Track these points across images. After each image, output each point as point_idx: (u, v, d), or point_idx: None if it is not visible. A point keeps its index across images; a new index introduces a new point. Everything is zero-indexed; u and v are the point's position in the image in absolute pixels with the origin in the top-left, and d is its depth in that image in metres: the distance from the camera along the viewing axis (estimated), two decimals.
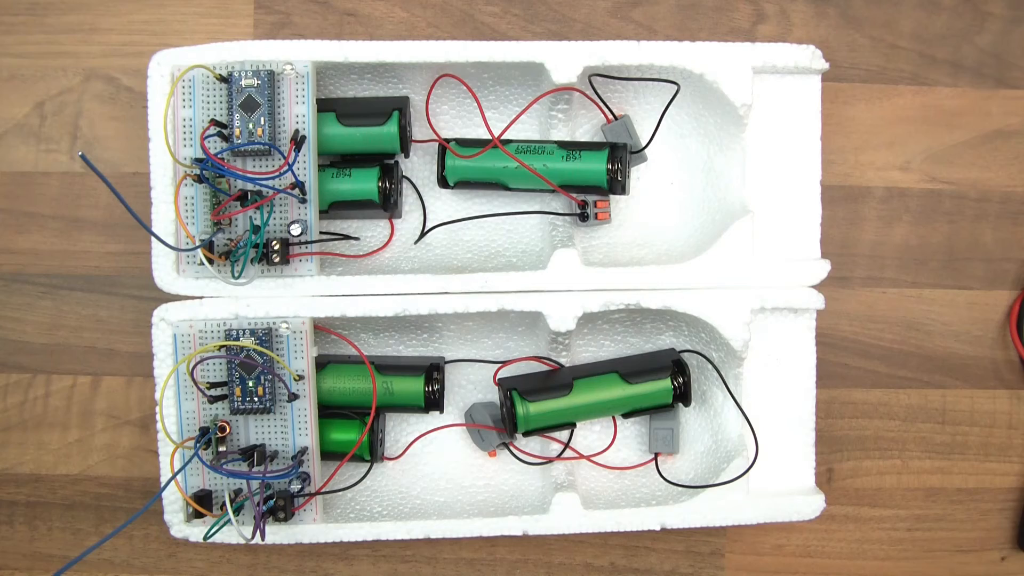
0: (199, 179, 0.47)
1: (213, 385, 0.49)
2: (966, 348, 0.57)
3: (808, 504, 0.52)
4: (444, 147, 0.52)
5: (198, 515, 0.48)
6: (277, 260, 0.49)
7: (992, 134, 0.57)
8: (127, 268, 0.55)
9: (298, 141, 0.48)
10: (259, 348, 0.48)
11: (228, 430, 0.49)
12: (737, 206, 0.52)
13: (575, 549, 0.56)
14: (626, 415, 0.53)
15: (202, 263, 0.48)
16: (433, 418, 0.55)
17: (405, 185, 0.54)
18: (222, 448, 0.49)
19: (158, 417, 0.48)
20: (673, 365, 0.52)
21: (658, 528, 0.52)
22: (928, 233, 0.57)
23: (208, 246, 0.48)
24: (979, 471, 0.57)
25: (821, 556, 0.57)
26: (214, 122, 0.47)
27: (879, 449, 0.57)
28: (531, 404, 0.51)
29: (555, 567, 0.56)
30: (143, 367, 0.56)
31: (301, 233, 0.49)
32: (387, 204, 0.51)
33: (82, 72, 0.55)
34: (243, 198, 0.48)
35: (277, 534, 0.51)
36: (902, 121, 0.57)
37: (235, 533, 0.49)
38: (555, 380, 0.52)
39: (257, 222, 0.48)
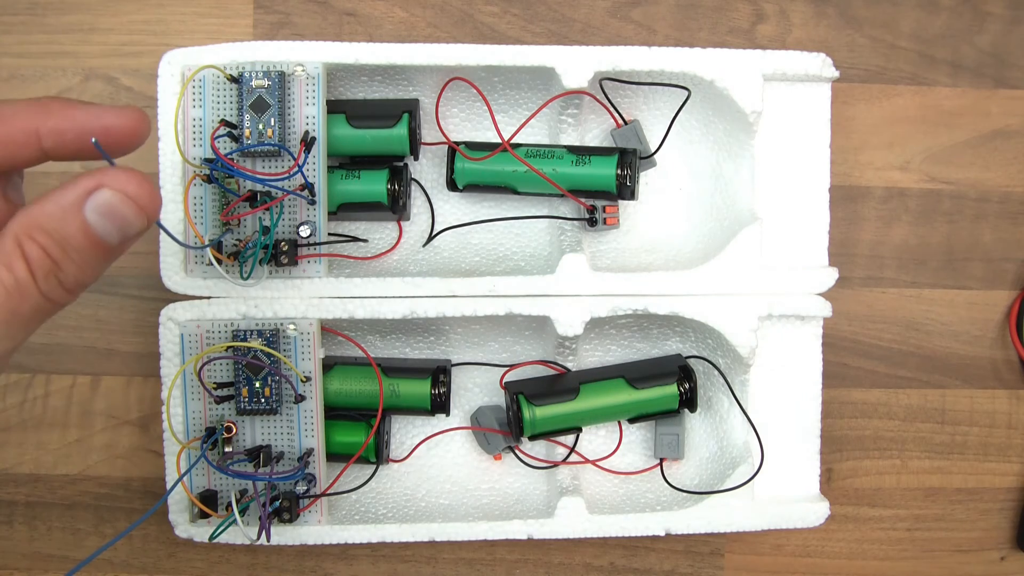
0: (208, 179, 0.47)
1: (220, 385, 0.48)
2: (966, 348, 0.58)
3: (813, 512, 0.52)
4: (454, 150, 0.51)
5: (203, 515, 0.48)
6: (285, 261, 0.48)
7: (992, 134, 0.57)
8: (127, 268, 0.55)
9: (308, 142, 0.47)
10: (266, 349, 0.48)
11: (234, 431, 0.48)
12: (745, 213, 0.52)
13: (575, 549, 0.57)
14: (632, 420, 0.53)
15: (211, 263, 0.48)
16: (439, 421, 0.55)
17: (414, 188, 0.54)
18: (228, 449, 0.49)
19: (164, 417, 0.48)
20: (679, 371, 0.52)
21: (662, 534, 0.52)
22: (927, 233, 0.57)
23: (216, 246, 0.48)
24: (978, 471, 0.58)
25: (820, 556, 0.58)
26: (224, 122, 0.47)
27: (878, 449, 0.58)
28: (537, 408, 0.51)
29: (554, 567, 0.57)
30: (143, 367, 0.55)
31: (310, 234, 0.48)
32: (396, 206, 0.51)
33: (82, 72, 0.54)
34: (252, 199, 0.48)
35: (282, 535, 0.51)
36: (902, 121, 0.57)
37: (237, 533, 0.48)
38: (562, 384, 0.52)
39: (266, 223, 0.48)
